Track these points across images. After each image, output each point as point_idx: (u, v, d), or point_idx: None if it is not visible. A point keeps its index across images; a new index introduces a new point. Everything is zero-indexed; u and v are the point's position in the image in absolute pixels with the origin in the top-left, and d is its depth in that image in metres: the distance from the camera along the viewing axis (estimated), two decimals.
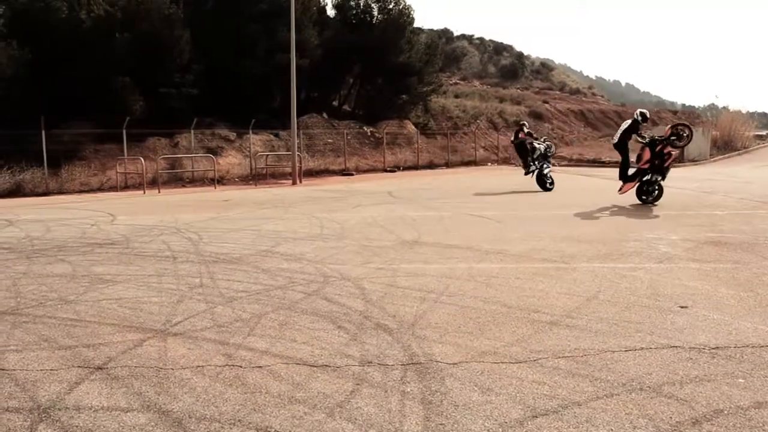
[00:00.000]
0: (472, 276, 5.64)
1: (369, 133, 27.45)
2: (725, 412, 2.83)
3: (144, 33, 20.13)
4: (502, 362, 3.48)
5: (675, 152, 11.04)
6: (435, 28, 61.67)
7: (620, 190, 11.53)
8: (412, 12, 29.15)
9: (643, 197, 11.11)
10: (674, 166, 12.43)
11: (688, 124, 12.16)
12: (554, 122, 39.47)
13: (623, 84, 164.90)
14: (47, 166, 17.03)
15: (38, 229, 9.26)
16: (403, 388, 3.13)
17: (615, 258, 6.39)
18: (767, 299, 4.76)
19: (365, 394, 3.07)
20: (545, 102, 43.62)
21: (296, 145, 20.01)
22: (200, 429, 2.73)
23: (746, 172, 19.78)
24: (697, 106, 77.86)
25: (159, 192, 17.14)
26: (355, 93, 30.88)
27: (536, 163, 15.02)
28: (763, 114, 71.77)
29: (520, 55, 70.64)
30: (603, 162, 26.23)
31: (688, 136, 11.05)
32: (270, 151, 22.45)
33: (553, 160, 17.50)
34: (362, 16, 28.69)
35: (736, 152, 28.97)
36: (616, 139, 11.94)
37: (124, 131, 18.25)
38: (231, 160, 21.91)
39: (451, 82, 46.59)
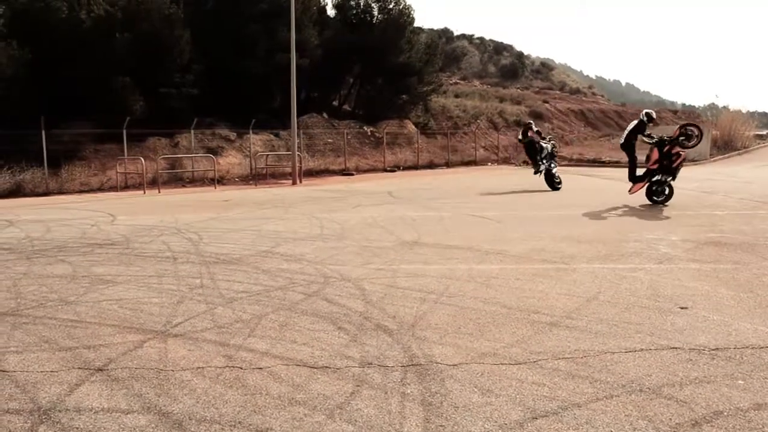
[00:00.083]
0: (472, 277, 5.65)
1: (369, 133, 27.45)
2: (725, 413, 2.83)
3: (144, 33, 20.14)
4: (502, 363, 3.49)
5: (684, 153, 10.93)
6: (435, 28, 61.76)
7: (630, 190, 11.54)
8: (412, 12, 29.20)
9: (653, 198, 11.06)
10: None
11: (697, 124, 12.02)
12: (554, 122, 39.45)
13: (623, 84, 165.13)
14: (47, 166, 17.04)
15: (38, 230, 9.26)
16: (403, 390, 3.13)
17: (615, 259, 6.39)
18: (767, 300, 4.76)
19: (365, 395, 3.08)
20: (545, 102, 43.62)
21: (296, 145, 20.01)
22: (200, 431, 2.74)
23: (746, 172, 19.77)
24: (697, 106, 77.87)
25: (159, 192, 17.14)
26: (355, 93, 30.88)
27: (545, 162, 15.02)
28: (763, 114, 71.77)
29: (520, 55, 70.67)
30: (603, 162, 26.26)
31: (697, 136, 10.96)
32: (270, 151, 22.46)
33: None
34: (362, 15, 28.70)
35: (736, 152, 28.95)
36: (622, 139, 11.98)
37: (124, 131, 18.26)
38: (231, 160, 21.92)
39: (451, 82, 46.59)
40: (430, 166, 27.08)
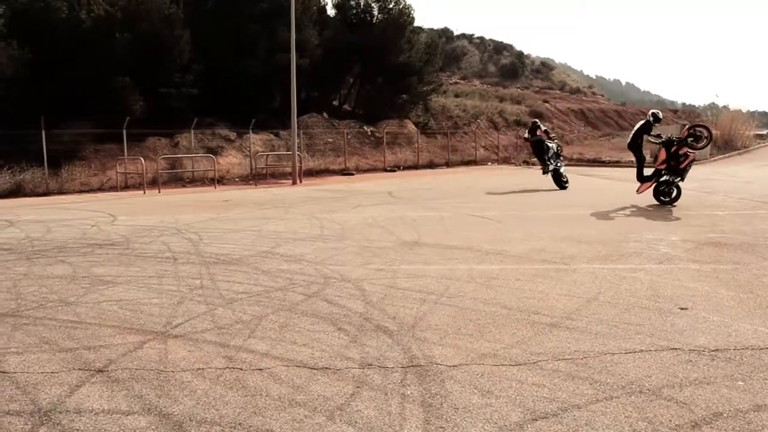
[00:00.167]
0: (473, 277, 5.65)
1: (369, 133, 27.45)
2: (724, 414, 2.84)
3: (144, 33, 20.14)
4: (502, 365, 3.49)
5: (693, 154, 10.86)
6: (435, 28, 61.78)
7: (638, 190, 11.53)
8: (412, 11, 29.21)
9: (661, 198, 11.03)
10: None
11: (706, 125, 11.98)
12: (554, 121, 39.46)
13: (623, 83, 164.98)
14: (47, 166, 17.03)
15: (38, 230, 9.26)
16: (403, 391, 3.14)
17: (615, 259, 6.39)
18: (767, 301, 4.77)
19: (365, 396, 3.08)
20: (545, 101, 43.65)
21: (296, 145, 20.01)
22: None
23: (746, 171, 19.76)
24: (697, 106, 77.89)
25: (159, 192, 17.14)
26: (355, 93, 30.88)
27: (552, 161, 15.02)
28: (764, 113, 71.76)
29: (520, 55, 70.67)
30: (603, 161, 26.25)
31: (706, 137, 10.92)
32: (270, 151, 22.46)
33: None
34: (362, 15, 28.70)
35: (736, 152, 28.92)
36: (629, 139, 12.01)
37: (124, 131, 18.25)
38: (231, 160, 21.92)
39: (451, 82, 46.60)
40: (430, 165, 27.08)
